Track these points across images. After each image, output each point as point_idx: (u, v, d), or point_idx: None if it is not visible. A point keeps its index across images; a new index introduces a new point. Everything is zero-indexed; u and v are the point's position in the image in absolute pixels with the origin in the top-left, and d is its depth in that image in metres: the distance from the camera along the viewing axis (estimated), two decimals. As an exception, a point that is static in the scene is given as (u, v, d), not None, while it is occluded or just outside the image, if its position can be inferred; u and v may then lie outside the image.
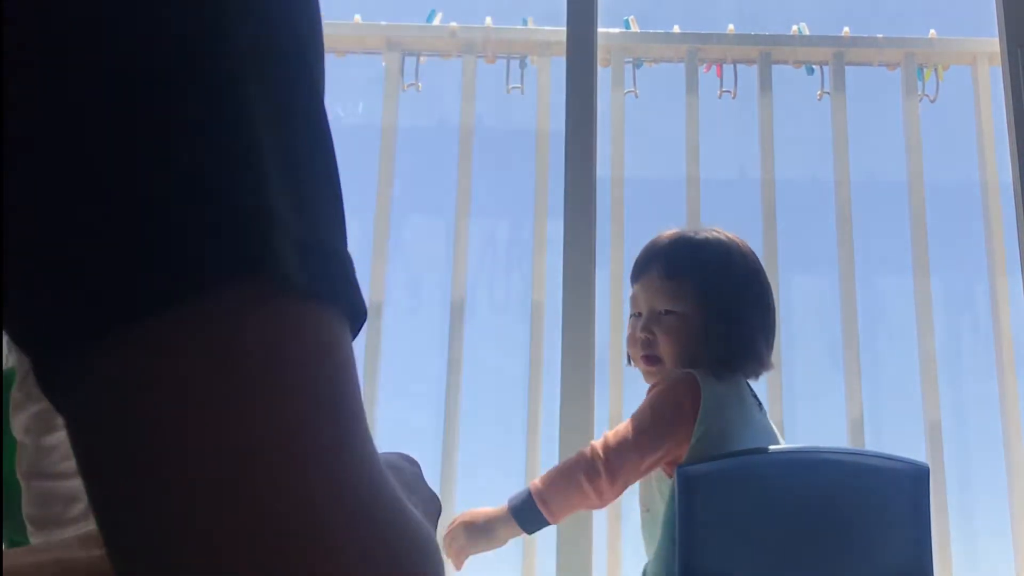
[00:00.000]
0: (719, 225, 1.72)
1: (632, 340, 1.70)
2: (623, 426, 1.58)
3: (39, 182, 0.31)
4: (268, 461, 0.31)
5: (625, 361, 1.78)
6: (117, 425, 0.31)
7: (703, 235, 1.73)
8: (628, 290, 1.76)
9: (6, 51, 0.31)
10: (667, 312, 1.65)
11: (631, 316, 1.73)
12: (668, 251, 1.69)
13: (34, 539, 1.07)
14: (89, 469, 0.32)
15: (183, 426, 0.31)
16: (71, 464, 0.95)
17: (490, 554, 1.61)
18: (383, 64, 2.48)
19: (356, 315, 0.36)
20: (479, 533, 1.57)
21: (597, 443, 1.57)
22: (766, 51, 2.49)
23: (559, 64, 2.42)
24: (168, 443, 0.31)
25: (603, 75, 2.43)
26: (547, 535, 2.09)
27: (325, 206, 0.36)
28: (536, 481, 1.58)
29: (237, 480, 0.31)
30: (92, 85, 0.31)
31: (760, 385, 2.26)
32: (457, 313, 2.33)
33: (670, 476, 1.53)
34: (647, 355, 1.66)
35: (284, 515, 0.31)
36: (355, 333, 0.37)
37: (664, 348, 1.65)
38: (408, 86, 2.48)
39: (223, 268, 0.31)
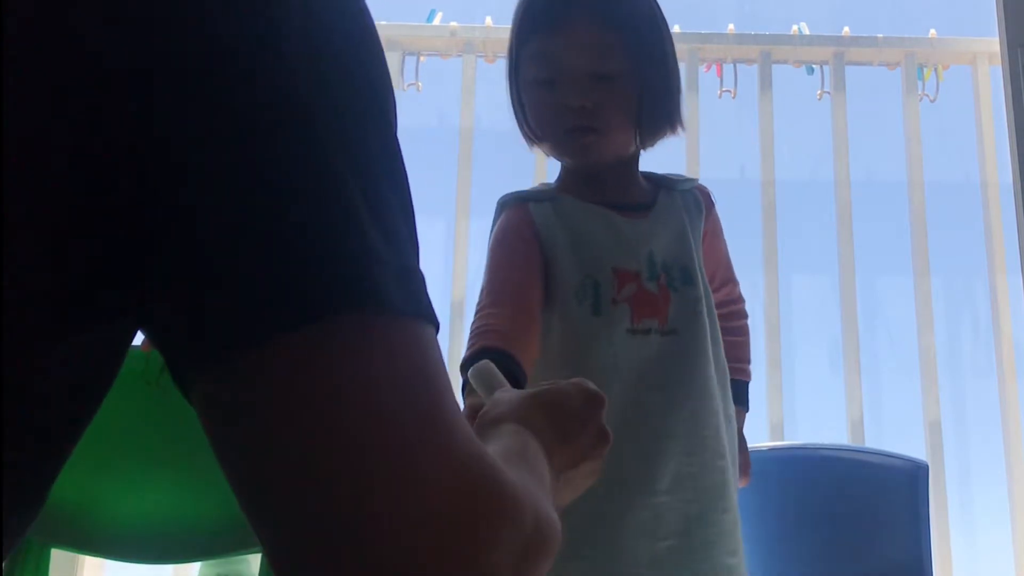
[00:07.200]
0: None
1: (555, 111, 1.32)
2: (730, 265, 1.47)
3: (218, 237, 0.42)
4: (393, 424, 0.43)
5: (527, 142, 1.40)
6: (285, 405, 0.42)
7: None
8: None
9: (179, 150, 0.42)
10: (604, 75, 1.30)
11: (538, 81, 1.33)
12: None
13: None
14: (243, 442, 0.43)
15: (341, 395, 0.42)
16: None
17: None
18: (383, 64, 2.48)
19: (434, 323, 0.47)
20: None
21: (740, 302, 1.47)
22: (766, 51, 2.49)
23: (559, 64, 2.42)
24: (320, 416, 0.42)
25: (603, 75, 2.43)
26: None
27: (403, 231, 0.47)
28: (746, 370, 1.45)
29: (374, 440, 0.42)
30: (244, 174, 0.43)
31: (760, 384, 2.28)
32: (457, 313, 2.34)
33: None
34: (583, 126, 1.31)
35: (396, 457, 0.42)
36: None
37: (609, 120, 1.31)
38: (408, 86, 2.48)
39: (348, 298, 0.43)
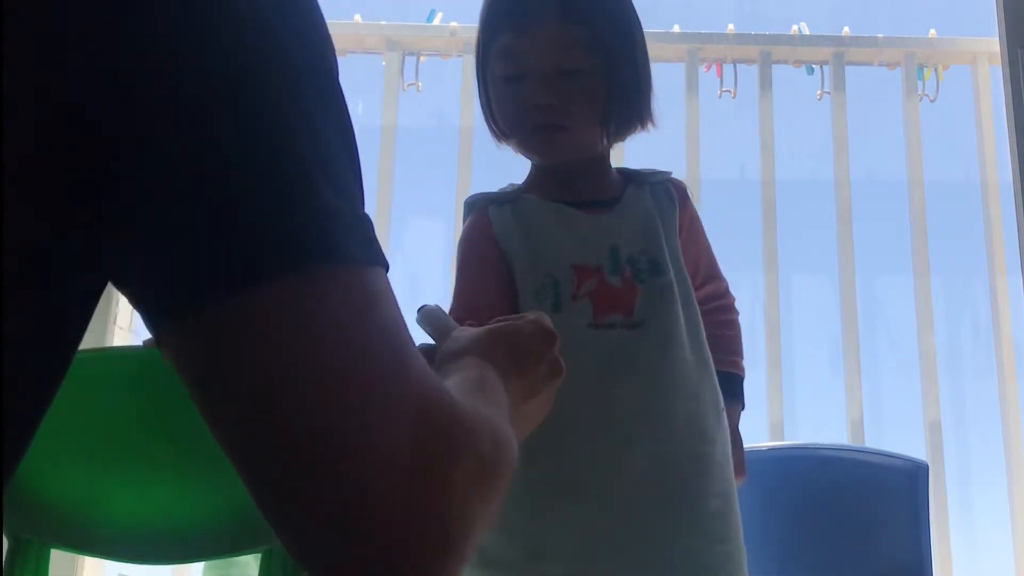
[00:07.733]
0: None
1: (521, 109, 1.31)
2: (713, 261, 1.43)
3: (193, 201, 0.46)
4: (353, 365, 0.47)
5: (495, 139, 1.39)
6: (253, 355, 0.46)
7: None
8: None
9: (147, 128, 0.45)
10: (571, 71, 1.29)
11: (504, 78, 1.32)
12: None
13: None
14: (216, 385, 0.47)
15: (303, 344, 0.46)
16: None
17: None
18: (383, 64, 2.49)
19: (384, 265, 0.51)
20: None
21: (727, 297, 1.43)
22: (766, 51, 2.49)
23: (559, 64, 2.41)
24: (287, 361, 0.46)
25: (603, 75, 2.43)
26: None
27: (352, 182, 0.51)
28: (738, 363, 1.41)
29: (337, 382, 0.46)
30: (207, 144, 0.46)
31: (760, 384, 2.28)
32: (457, 313, 2.34)
33: None
34: (549, 124, 1.30)
35: (359, 393, 0.46)
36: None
37: (576, 116, 1.30)
38: (408, 86, 2.48)
39: (308, 252, 0.46)
